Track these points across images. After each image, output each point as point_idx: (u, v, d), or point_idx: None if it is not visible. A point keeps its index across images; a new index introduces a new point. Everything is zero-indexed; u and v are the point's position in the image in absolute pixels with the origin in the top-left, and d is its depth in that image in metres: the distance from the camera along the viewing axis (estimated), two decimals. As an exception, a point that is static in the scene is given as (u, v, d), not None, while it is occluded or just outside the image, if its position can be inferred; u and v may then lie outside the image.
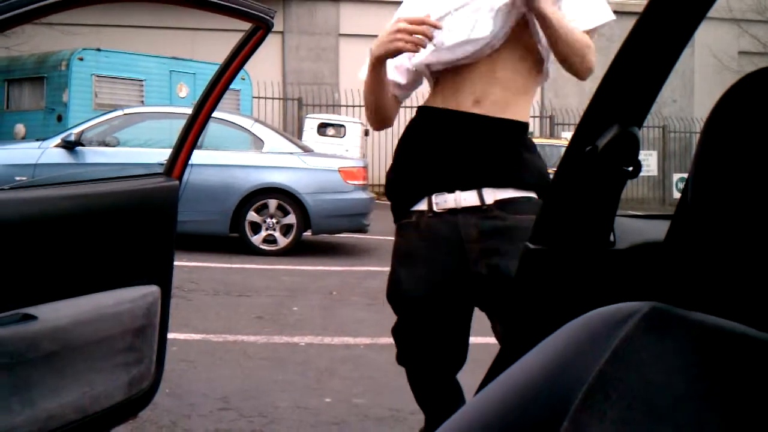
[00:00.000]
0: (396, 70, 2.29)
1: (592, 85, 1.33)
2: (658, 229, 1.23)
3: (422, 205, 2.22)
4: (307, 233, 8.89)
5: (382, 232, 9.81)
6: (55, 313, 2.13)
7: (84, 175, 5.55)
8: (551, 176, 1.50)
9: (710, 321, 0.61)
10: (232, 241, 8.76)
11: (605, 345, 0.60)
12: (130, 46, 15.00)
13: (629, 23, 1.13)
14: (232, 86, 2.63)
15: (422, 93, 2.46)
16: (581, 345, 0.61)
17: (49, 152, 8.42)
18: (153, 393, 2.52)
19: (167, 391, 3.52)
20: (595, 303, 0.70)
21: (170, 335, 2.65)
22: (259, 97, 17.30)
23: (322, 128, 16.02)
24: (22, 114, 13.60)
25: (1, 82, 14.12)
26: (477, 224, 2.15)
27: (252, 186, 8.57)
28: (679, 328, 0.60)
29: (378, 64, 2.17)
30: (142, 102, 13.23)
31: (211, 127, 7.69)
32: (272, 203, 8.64)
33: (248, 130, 9.02)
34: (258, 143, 8.92)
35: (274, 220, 8.64)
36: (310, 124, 16.15)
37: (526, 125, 2.25)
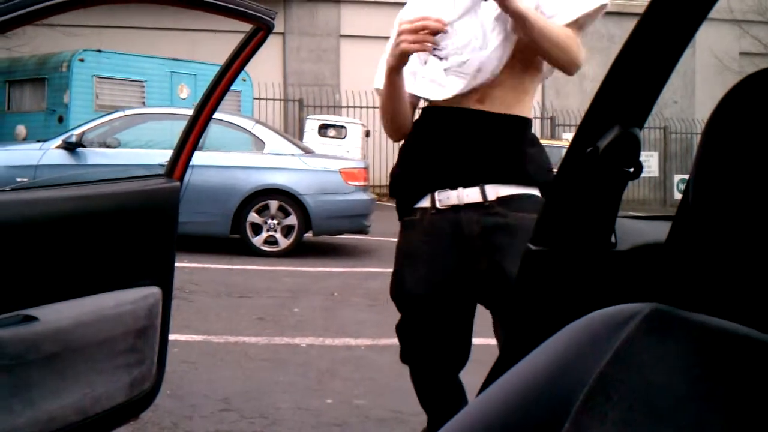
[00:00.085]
0: (412, 76, 2.27)
1: (593, 86, 1.33)
2: (659, 231, 1.23)
3: (425, 202, 2.24)
4: (308, 234, 8.89)
5: (383, 233, 9.82)
6: (57, 315, 2.13)
7: (85, 176, 5.55)
8: (555, 171, 1.50)
9: (712, 322, 0.61)
10: (233, 242, 8.76)
11: (606, 346, 0.60)
12: (131, 47, 15.01)
13: (630, 24, 1.13)
14: (233, 87, 2.63)
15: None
16: (582, 346, 0.61)
17: (50, 153, 8.42)
18: (154, 394, 2.52)
19: (168, 392, 3.52)
20: (596, 304, 0.70)
21: (171, 336, 2.65)
22: (260, 99, 17.31)
23: (323, 129, 16.03)
24: (23, 115, 13.61)
25: (2, 83, 14.12)
26: (479, 221, 2.17)
27: (253, 187, 8.57)
28: (680, 330, 0.60)
29: (393, 74, 2.16)
30: (143, 103, 13.23)
31: (212, 129, 7.70)
32: (273, 204, 8.64)
33: (249, 132, 9.03)
34: (259, 144, 8.92)
35: (275, 222, 8.64)
36: (311, 125, 16.16)
37: (529, 121, 2.28)
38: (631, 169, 1.19)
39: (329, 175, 8.79)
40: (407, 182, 2.30)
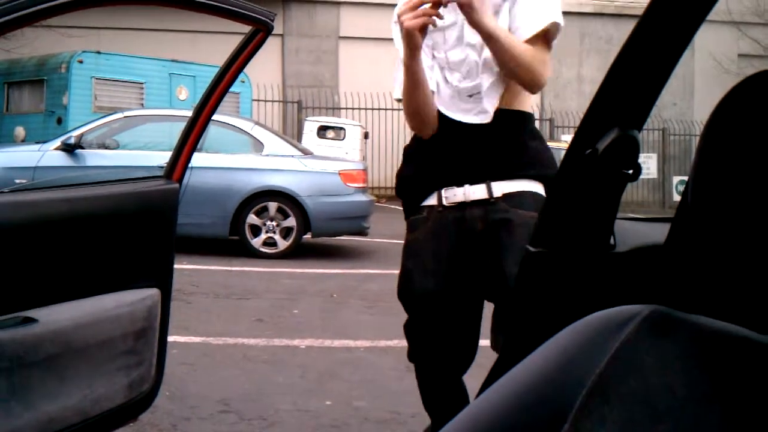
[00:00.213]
0: (429, 70, 2.26)
1: (591, 87, 1.33)
2: (658, 232, 1.23)
3: (432, 200, 2.26)
4: (307, 236, 8.89)
5: (382, 234, 9.82)
6: (56, 316, 2.13)
7: (84, 178, 5.55)
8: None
9: (711, 324, 0.61)
10: (232, 243, 8.76)
11: (605, 348, 0.60)
12: (129, 48, 15.00)
13: (629, 26, 1.13)
14: (231, 89, 2.63)
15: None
16: (582, 348, 0.61)
17: (48, 155, 8.42)
18: (153, 396, 2.52)
19: (167, 393, 3.52)
20: (595, 306, 0.70)
21: (170, 338, 2.65)
22: (258, 100, 17.30)
23: (322, 131, 16.03)
24: (21, 117, 13.60)
25: (0, 84, 14.11)
26: (483, 217, 2.20)
27: (252, 189, 8.57)
28: (679, 331, 0.60)
29: (409, 61, 2.13)
30: (142, 105, 13.22)
31: (211, 130, 7.70)
32: (272, 206, 8.64)
33: (248, 133, 9.03)
34: (258, 146, 8.92)
35: (274, 223, 8.63)
36: (310, 126, 16.16)
37: (530, 115, 2.31)
38: (630, 171, 1.19)
39: (328, 177, 8.79)
40: (414, 181, 2.31)
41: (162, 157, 5.84)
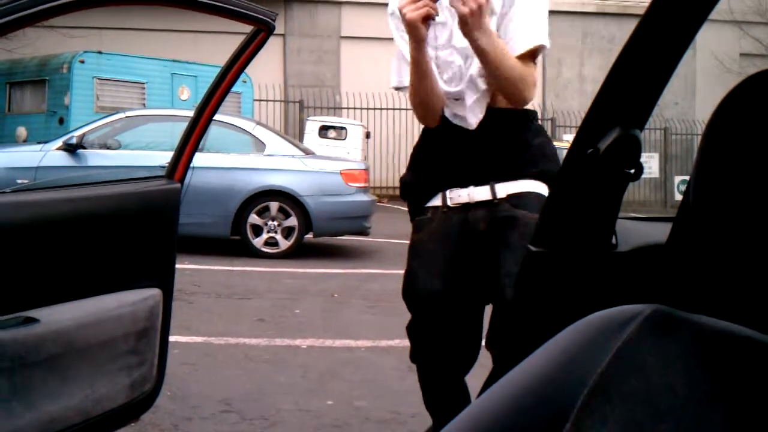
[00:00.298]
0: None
1: (593, 87, 1.33)
2: (659, 232, 1.23)
3: (437, 201, 2.29)
4: (309, 236, 8.89)
5: (383, 234, 9.82)
6: (57, 316, 2.13)
7: (85, 178, 5.55)
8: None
9: (712, 323, 0.61)
10: (233, 243, 8.76)
11: (607, 347, 0.60)
12: (131, 48, 15.01)
13: (631, 25, 1.13)
14: (233, 89, 2.63)
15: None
16: (583, 347, 0.61)
17: (50, 155, 8.42)
18: (155, 396, 2.52)
19: (169, 393, 3.52)
20: (597, 305, 0.70)
21: (172, 338, 2.65)
22: (260, 100, 17.31)
23: (324, 131, 16.03)
24: (23, 117, 13.61)
25: (2, 85, 14.12)
26: (486, 217, 2.22)
27: (253, 189, 8.57)
28: (681, 331, 0.60)
29: (415, 56, 2.15)
30: (144, 105, 13.23)
31: (213, 130, 7.70)
32: (274, 206, 8.64)
33: (250, 133, 9.03)
34: (259, 146, 8.92)
35: (275, 223, 8.64)
36: (312, 126, 16.16)
37: (532, 112, 2.33)
38: (632, 171, 1.19)
39: (329, 177, 8.79)
40: (419, 183, 2.32)
41: (164, 157, 5.86)
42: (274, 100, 18.58)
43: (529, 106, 2.31)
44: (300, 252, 8.70)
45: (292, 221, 8.63)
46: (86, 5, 2.02)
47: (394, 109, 17.30)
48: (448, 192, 2.25)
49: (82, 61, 13.03)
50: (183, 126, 2.63)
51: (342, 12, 20.13)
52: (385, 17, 2.36)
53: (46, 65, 13.53)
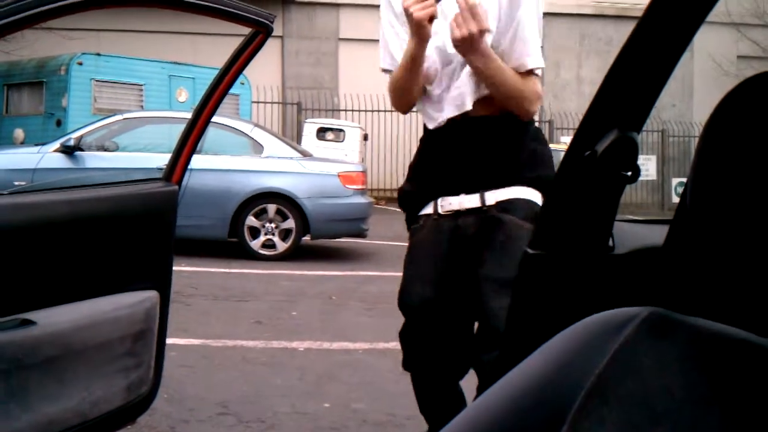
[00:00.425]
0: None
1: (591, 89, 1.33)
2: (657, 234, 1.23)
3: (429, 209, 2.31)
4: (306, 238, 8.89)
5: (381, 236, 9.82)
6: (55, 319, 2.12)
7: (83, 179, 5.55)
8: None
9: (709, 326, 0.61)
10: (231, 245, 8.75)
11: (604, 350, 0.60)
12: (129, 50, 15.00)
13: (628, 28, 1.13)
14: (231, 91, 2.63)
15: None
16: (580, 349, 0.61)
17: (48, 157, 8.41)
18: (152, 398, 2.52)
19: (166, 396, 3.52)
20: (594, 308, 0.70)
21: (169, 340, 2.65)
22: (258, 102, 17.30)
23: (321, 133, 16.02)
24: (21, 119, 13.60)
25: (0, 86, 14.11)
26: (475, 224, 2.24)
27: (251, 191, 8.57)
28: (678, 333, 0.60)
29: (416, 53, 2.17)
30: (142, 107, 13.22)
31: (211, 132, 7.69)
32: (271, 208, 8.64)
33: (247, 135, 9.03)
34: (257, 148, 8.92)
35: (273, 225, 8.63)
36: (310, 128, 16.16)
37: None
38: (629, 173, 1.19)
39: (327, 179, 8.79)
40: (414, 192, 2.34)
41: (161, 159, 5.84)
42: (272, 102, 18.57)
43: None
44: (297, 254, 8.70)
45: (290, 223, 8.62)
46: (84, 7, 2.02)
47: (392, 111, 17.26)
48: (439, 200, 2.27)
49: (80, 63, 13.02)
50: (181, 128, 2.63)
51: (340, 14, 20.13)
52: (383, 19, 2.36)
53: (43, 67, 13.52)
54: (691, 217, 0.65)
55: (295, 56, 20.01)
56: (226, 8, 2.21)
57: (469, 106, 2.20)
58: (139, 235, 2.40)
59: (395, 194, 2.61)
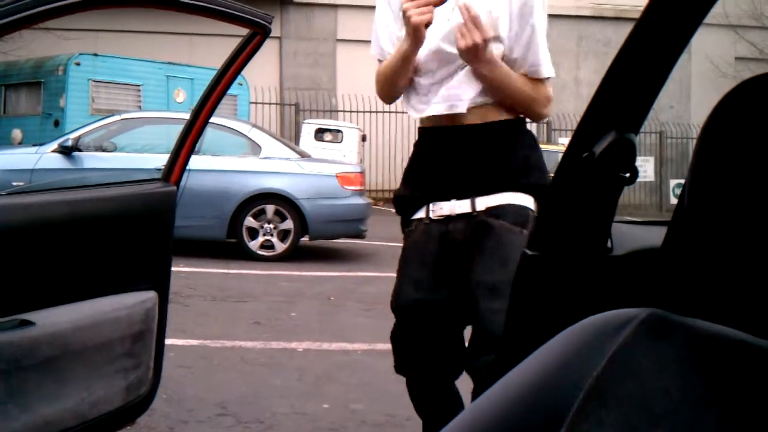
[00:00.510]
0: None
1: (589, 90, 1.33)
2: (655, 235, 1.23)
3: (421, 214, 2.31)
4: (305, 239, 8.88)
5: (379, 237, 9.82)
6: (53, 319, 2.12)
7: (81, 180, 5.54)
8: (551, 176, 1.51)
9: (708, 327, 0.61)
10: (229, 246, 8.75)
11: (602, 351, 0.60)
12: (127, 51, 14.98)
13: (627, 29, 1.13)
14: (229, 91, 2.63)
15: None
16: (578, 351, 0.61)
17: (46, 157, 8.41)
18: (151, 399, 2.52)
19: (165, 396, 3.52)
20: (592, 309, 0.70)
21: (168, 341, 2.65)
22: (256, 103, 17.29)
23: (320, 134, 16.02)
24: (19, 119, 13.58)
25: (-2, 87, 14.11)
26: (465, 229, 2.24)
27: (249, 191, 8.57)
28: (676, 335, 0.60)
29: (409, 54, 2.20)
30: (140, 107, 13.21)
31: (209, 133, 7.69)
32: (270, 209, 8.63)
33: (246, 136, 9.02)
34: (255, 148, 8.92)
35: (271, 226, 8.63)
36: (308, 129, 16.15)
37: (520, 121, 2.34)
38: (627, 174, 1.19)
39: (326, 180, 8.79)
40: (407, 196, 2.36)
41: (159, 160, 5.83)
42: (270, 103, 18.56)
43: (516, 115, 2.30)
44: (296, 255, 8.69)
45: (288, 224, 8.62)
46: (82, 7, 2.02)
47: (390, 112, 17.28)
48: (431, 205, 2.28)
49: (78, 64, 13.02)
50: (179, 128, 2.63)
51: (338, 15, 20.13)
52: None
53: (41, 67, 13.51)
54: (689, 218, 0.65)
55: (293, 57, 20.00)
56: (224, 9, 2.21)
57: (462, 109, 2.20)
58: (138, 235, 2.40)
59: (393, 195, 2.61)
